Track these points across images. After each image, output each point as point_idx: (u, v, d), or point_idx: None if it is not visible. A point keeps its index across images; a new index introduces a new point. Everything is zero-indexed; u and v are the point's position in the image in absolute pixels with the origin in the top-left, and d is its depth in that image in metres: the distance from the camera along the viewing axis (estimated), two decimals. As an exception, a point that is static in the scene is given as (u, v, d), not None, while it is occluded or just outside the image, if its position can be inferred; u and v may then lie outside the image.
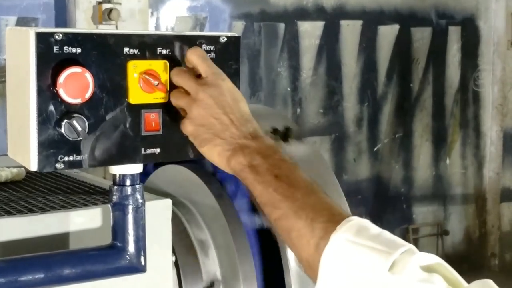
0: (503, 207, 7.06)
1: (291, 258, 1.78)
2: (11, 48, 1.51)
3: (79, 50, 1.39)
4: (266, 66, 5.62)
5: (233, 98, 1.48)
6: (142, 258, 1.54)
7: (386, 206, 6.42)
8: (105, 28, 4.32)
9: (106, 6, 4.42)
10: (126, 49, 1.43)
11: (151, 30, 4.85)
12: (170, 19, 5.16)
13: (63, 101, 1.36)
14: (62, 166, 1.39)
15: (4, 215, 1.58)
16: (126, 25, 4.46)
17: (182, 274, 1.91)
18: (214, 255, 1.95)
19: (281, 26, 5.65)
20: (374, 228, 1.30)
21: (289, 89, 5.75)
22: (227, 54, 1.55)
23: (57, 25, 4.53)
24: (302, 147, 2.05)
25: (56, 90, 1.35)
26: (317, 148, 2.11)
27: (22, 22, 4.48)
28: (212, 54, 1.53)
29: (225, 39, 1.55)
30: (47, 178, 2.04)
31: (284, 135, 2.04)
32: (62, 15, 4.58)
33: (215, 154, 1.47)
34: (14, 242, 1.55)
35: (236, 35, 1.57)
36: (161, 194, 1.82)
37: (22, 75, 1.39)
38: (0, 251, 1.53)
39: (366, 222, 1.31)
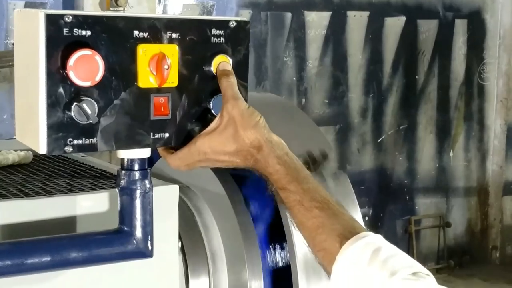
0: (506, 200, 7.06)
1: (297, 243, 1.78)
2: (20, 30, 1.50)
3: (89, 33, 1.38)
4: (272, 55, 5.61)
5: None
6: (149, 243, 1.54)
7: (389, 197, 6.43)
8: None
9: (113, -9, 4.40)
10: (135, 33, 1.43)
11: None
12: (177, 6, 5.15)
13: (73, 84, 1.36)
14: (71, 149, 1.39)
15: (11, 198, 1.58)
16: (133, 12, 4.45)
17: (188, 260, 1.90)
18: (220, 241, 1.95)
19: (288, 15, 5.64)
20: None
21: (294, 79, 5.74)
22: (236, 39, 1.55)
23: (65, 10, 4.51)
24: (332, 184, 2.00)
25: (66, 73, 1.34)
26: (348, 186, 2.06)
27: (30, 6, 4.48)
28: (222, 39, 1.53)
29: (235, 24, 1.54)
30: (54, 161, 2.04)
31: (316, 162, 1.97)
32: (69, 0, 4.58)
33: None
34: (21, 225, 1.55)
35: (246, 19, 1.56)
36: (168, 180, 1.82)
37: (31, 57, 1.39)
38: (7, 233, 1.53)
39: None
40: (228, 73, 1.52)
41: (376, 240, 1.40)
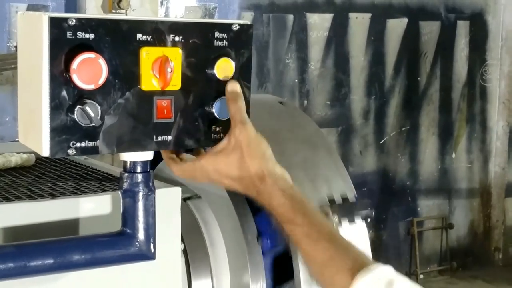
0: (508, 202, 7.06)
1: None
2: (23, 33, 1.51)
3: (92, 36, 1.38)
4: (274, 57, 5.61)
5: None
6: (152, 245, 1.54)
7: (392, 199, 6.42)
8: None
9: (116, -6, 4.41)
10: (139, 36, 1.43)
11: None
12: (180, 8, 5.16)
13: (76, 87, 1.36)
14: (74, 152, 1.39)
15: (13, 200, 1.59)
16: (136, 14, 4.45)
17: (190, 262, 1.91)
18: (222, 243, 1.96)
19: (290, 17, 5.65)
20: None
21: (296, 80, 5.74)
22: (239, 42, 1.55)
23: (67, 12, 4.52)
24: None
25: (70, 76, 1.35)
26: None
27: (32, 9, 4.48)
28: (225, 42, 1.53)
29: (238, 27, 1.55)
30: (57, 164, 2.04)
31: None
32: (72, 3, 4.58)
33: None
34: (24, 227, 1.55)
35: (249, 23, 1.57)
36: (170, 182, 1.82)
37: (34, 60, 1.39)
38: (10, 236, 1.53)
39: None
40: (236, 96, 1.52)
41: (387, 272, 1.39)
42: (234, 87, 1.52)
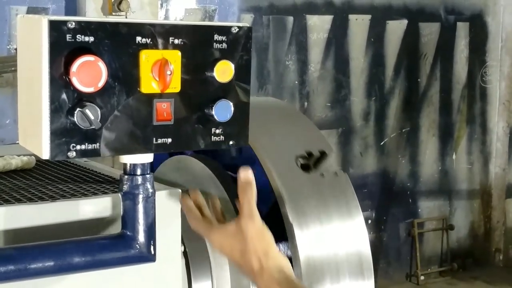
0: (509, 203, 7.06)
1: (299, 244, 1.79)
2: (23, 36, 1.51)
3: (91, 39, 1.39)
4: (274, 59, 5.61)
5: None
6: (152, 247, 1.55)
7: (392, 200, 6.42)
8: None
9: (116, -4, 4.41)
10: (138, 39, 1.43)
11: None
12: (180, 11, 5.16)
13: (76, 90, 1.37)
14: (74, 154, 1.40)
15: (14, 203, 1.59)
16: (136, 17, 4.45)
17: (191, 264, 1.91)
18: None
19: (290, 19, 5.65)
20: None
21: (297, 82, 5.74)
22: (238, 45, 1.55)
23: (67, 15, 4.52)
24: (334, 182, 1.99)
25: (69, 79, 1.35)
26: (350, 184, 2.07)
27: (32, 11, 4.48)
28: (224, 45, 1.53)
29: (237, 29, 1.55)
30: (57, 166, 2.04)
31: (316, 161, 1.99)
32: (72, 5, 4.58)
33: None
34: (24, 230, 1.55)
35: (248, 25, 1.57)
36: (170, 184, 1.83)
37: (34, 63, 1.39)
38: (10, 238, 1.53)
39: None
40: (247, 186, 1.58)
41: None
42: (247, 175, 1.59)
